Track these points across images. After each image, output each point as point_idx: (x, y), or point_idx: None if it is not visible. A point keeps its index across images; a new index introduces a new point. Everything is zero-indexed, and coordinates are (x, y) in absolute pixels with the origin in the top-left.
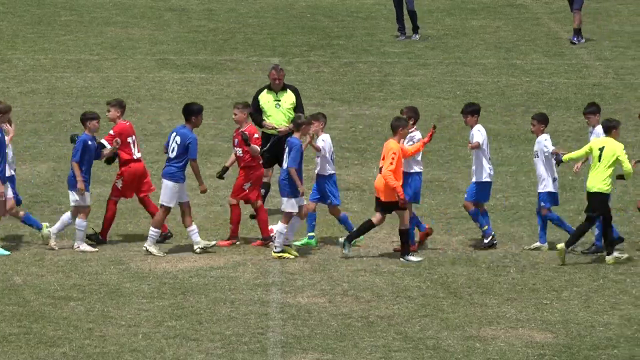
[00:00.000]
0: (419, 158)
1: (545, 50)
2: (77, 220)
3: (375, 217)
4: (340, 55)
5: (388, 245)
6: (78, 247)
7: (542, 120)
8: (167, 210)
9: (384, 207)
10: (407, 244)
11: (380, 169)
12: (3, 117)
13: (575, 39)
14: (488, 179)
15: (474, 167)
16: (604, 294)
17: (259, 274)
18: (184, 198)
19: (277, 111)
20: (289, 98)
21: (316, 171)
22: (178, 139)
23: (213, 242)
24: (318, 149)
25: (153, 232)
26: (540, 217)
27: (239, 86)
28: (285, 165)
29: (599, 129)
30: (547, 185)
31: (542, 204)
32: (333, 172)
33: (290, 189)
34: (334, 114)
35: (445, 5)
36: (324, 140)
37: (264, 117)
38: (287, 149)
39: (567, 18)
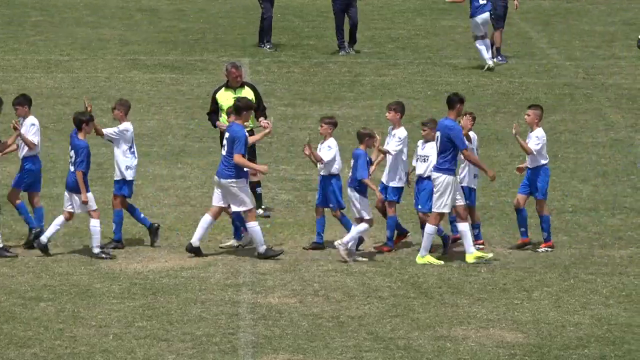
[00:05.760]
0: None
1: (516, 50)
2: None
3: None
4: (310, 55)
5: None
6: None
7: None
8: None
9: None
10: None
11: None
12: None
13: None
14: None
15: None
16: (574, 294)
17: (229, 274)
18: None
19: None
20: (247, 94)
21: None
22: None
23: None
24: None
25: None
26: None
27: (209, 86)
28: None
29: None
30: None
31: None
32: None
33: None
34: (305, 114)
35: (416, 5)
36: None
37: (223, 115)
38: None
39: (538, 18)
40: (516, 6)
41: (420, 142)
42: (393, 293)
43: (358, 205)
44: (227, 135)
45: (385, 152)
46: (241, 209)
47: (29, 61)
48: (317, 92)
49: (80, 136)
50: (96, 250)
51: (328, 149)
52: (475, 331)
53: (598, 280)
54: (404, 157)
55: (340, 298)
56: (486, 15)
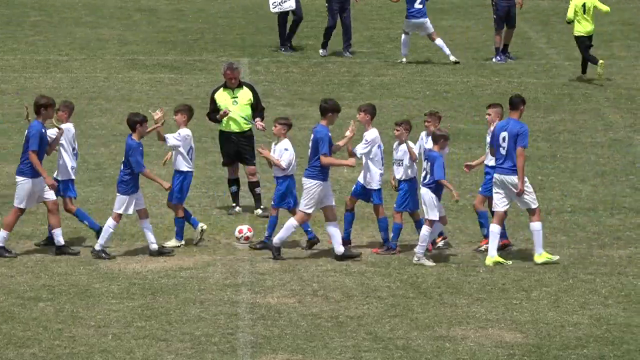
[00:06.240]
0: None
1: (515, 50)
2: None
3: None
4: (309, 55)
5: (357, 246)
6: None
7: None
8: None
9: None
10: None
11: None
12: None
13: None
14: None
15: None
16: (573, 294)
17: (228, 274)
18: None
19: (235, 108)
20: (245, 94)
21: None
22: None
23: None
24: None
25: None
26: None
27: (208, 86)
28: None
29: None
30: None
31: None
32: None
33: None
34: (304, 114)
35: None
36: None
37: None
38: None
39: (537, 18)
40: (520, 5)
41: (395, 145)
42: (392, 293)
43: (427, 205)
44: (312, 136)
45: (352, 155)
46: (302, 208)
47: (27, 61)
48: (316, 92)
49: (135, 137)
50: (98, 247)
51: (285, 151)
52: (474, 331)
53: (597, 280)
54: (377, 158)
55: (339, 298)
56: (423, 20)
